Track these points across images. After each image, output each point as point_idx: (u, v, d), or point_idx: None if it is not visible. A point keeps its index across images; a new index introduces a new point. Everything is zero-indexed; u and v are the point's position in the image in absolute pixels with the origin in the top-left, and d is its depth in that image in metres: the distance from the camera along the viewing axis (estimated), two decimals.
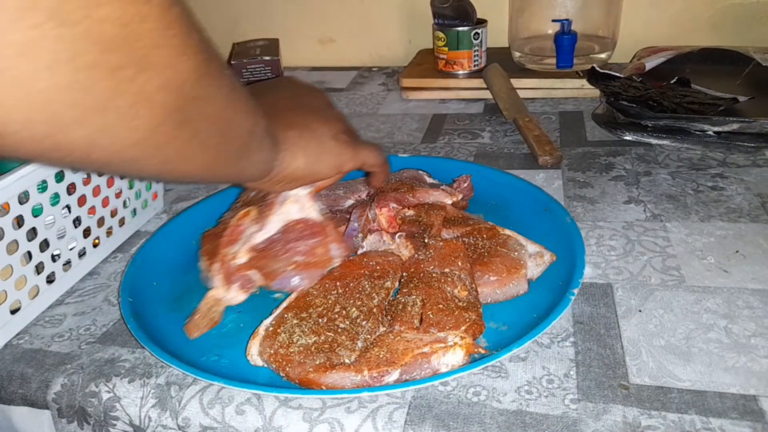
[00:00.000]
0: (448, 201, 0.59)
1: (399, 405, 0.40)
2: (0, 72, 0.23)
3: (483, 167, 0.69)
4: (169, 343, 0.47)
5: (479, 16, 0.94)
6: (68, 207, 0.54)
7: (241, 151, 0.39)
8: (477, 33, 0.93)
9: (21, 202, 0.49)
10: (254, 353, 0.44)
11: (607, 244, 0.56)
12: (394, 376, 0.41)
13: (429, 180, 0.65)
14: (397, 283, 0.50)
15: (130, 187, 0.63)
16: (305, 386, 0.41)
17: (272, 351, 0.43)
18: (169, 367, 0.45)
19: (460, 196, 0.60)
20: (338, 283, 0.49)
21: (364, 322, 0.45)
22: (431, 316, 0.44)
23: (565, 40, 0.89)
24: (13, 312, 0.50)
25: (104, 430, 0.45)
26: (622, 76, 0.84)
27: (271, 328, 0.45)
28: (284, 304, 0.48)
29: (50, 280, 0.54)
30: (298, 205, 0.53)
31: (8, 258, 0.48)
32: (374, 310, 0.46)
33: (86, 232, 0.57)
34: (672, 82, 0.82)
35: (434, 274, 0.48)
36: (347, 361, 0.42)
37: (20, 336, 0.51)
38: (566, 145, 0.76)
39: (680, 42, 0.98)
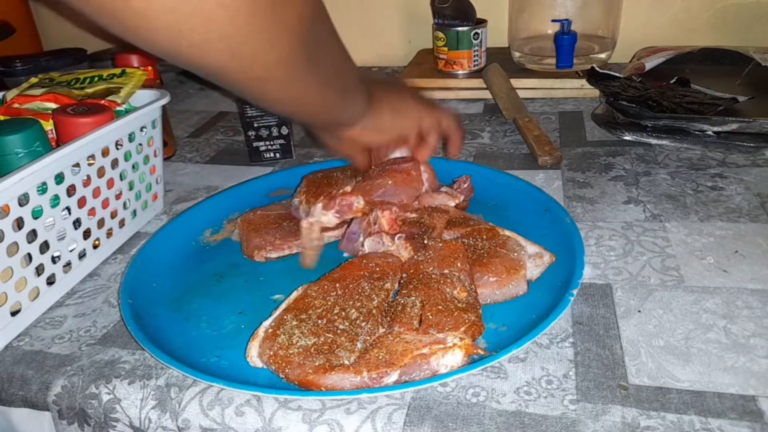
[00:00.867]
0: (452, 204, 0.59)
1: (398, 406, 0.40)
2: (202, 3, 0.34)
3: (482, 167, 0.69)
4: (169, 344, 0.47)
5: (479, 16, 0.94)
6: (68, 209, 0.54)
7: (347, 90, 0.50)
8: (477, 33, 0.93)
9: (21, 204, 0.49)
10: (254, 355, 0.44)
11: (606, 244, 0.56)
12: (393, 377, 0.41)
13: None
14: (396, 285, 0.50)
15: (130, 189, 0.63)
16: (305, 387, 0.41)
17: (272, 352, 0.43)
18: (169, 368, 0.45)
19: (462, 198, 0.60)
20: (338, 285, 0.49)
21: (363, 324, 0.45)
22: (431, 317, 0.44)
23: (565, 40, 0.89)
24: (14, 314, 0.50)
25: None
26: (621, 76, 0.84)
27: (270, 330, 0.45)
28: (283, 306, 0.48)
29: (50, 281, 0.54)
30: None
31: (8, 260, 0.48)
32: (374, 311, 0.46)
33: (86, 234, 0.57)
34: (672, 82, 0.82)
35: (434, 276, 0.49)
36: (347, 362, 0.42)
37: (20, 338, 0.51)
38: (566, 145, 0.76)
39: (680, 42, 0.98)
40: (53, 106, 0.64)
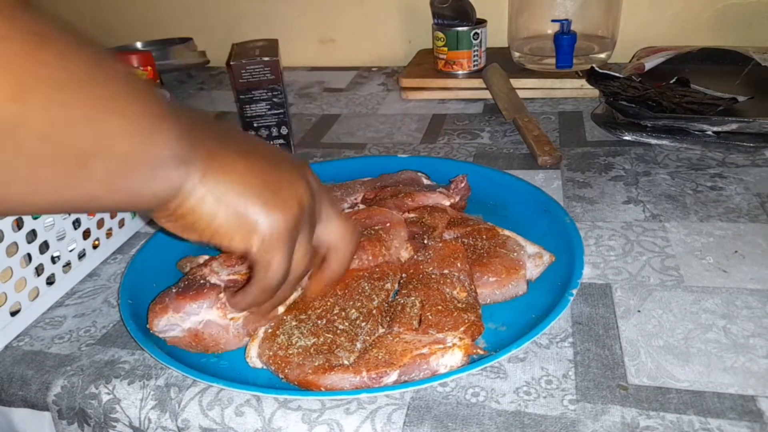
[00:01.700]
0: (446, 203, 0.59)
1: (398, 406, 0.40)
2: None
3: (482, 167, 0.69)
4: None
5: (479, 16, 0.94)
6: None
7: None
8: (476, 33, 0.93)
9: None
10: (253, 355, 0.44)
11: (606, 244, 0.56)
12: (392, 377, 0.41)
13: (426, 182, 0.65)
14: (396, 285, 0.50)
15: None
16: (304, 388, 0.41)
17: (271, 353, 0.43)
18: (168, 368, 0.45)
19: (457, 198, 0.60)
20: (337, 285, 0.49)
21: (363, 324, 0.45)
22: (430, 317, 0.44)
23: (565, 40, 0.89)
24: (13, 314, 0.50)
25: None
26: (621, 76, 0.84)
27: (270, 330, 0.45)
28: (283, 306, 0.48)
29: (50, 281, 0.54)
30: None
31: (8, 260, 0.48)
32: (373, 311, 0.46)
33: (86, 234, 0.57)
34: (671, 82, 0.82)
35: (433, 276, 0.49)
36: (346, 362, 0.42)
37: (20, 338, 0.51)
38: (565, 145, 0.76)
39: (680, 42, 0.98)
40: None
